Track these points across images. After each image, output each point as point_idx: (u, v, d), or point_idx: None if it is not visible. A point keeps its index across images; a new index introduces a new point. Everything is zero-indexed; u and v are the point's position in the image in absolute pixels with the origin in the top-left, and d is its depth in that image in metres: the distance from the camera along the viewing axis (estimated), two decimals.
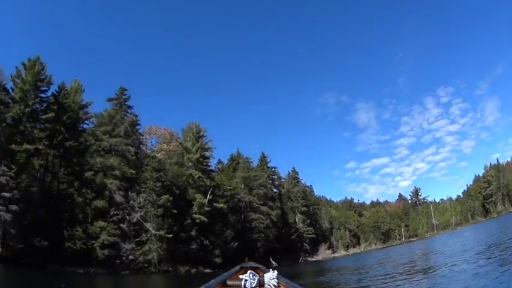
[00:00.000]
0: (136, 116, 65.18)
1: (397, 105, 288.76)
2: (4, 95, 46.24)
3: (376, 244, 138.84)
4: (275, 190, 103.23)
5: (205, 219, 64.35)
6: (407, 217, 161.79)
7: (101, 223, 50.75)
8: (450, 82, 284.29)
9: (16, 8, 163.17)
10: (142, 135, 74.08)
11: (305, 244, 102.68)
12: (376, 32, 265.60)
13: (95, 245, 48.50)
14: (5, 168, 40.95)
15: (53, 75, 51.81)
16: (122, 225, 53.13)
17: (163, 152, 76.86)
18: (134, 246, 53.14)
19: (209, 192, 68.48)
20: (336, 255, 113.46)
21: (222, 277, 5.30)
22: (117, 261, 50.73)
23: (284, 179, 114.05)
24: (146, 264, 53.52)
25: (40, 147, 49.03)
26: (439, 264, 26.07)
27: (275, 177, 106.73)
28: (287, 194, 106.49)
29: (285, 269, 58.94)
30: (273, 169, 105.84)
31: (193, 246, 62.63)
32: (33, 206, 44.18)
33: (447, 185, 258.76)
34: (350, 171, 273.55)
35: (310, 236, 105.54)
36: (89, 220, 50.90)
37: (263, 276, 4.86)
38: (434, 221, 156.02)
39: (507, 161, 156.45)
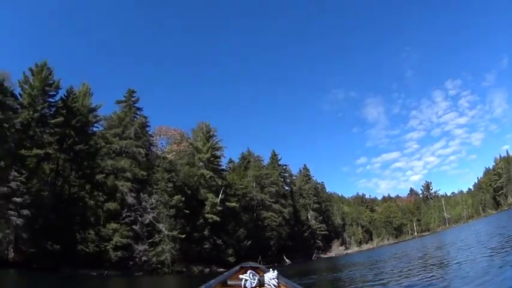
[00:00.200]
0: (145, 117, 64.47)
1: (406, 100, 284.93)
2: (12, 101, 45.99)
3: (388, 239, 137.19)
4: (287, 188, 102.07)
5: (218, 219, 63.59)
6: (419, 211, 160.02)
7: (114, 225, 50.25)
8: (458, 74, 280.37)
9: (21, 12, 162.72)
10: (153, 137, 73.35)
11: (318, 241, 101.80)
12: (382, 26, 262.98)
13: (108, 247, 47.99)
14: (15, 174, 40.53)
15: (61, 79, 51.80)
16: (134, 226, 52.58)
17: (173, 152, 75.93)
18: (147, 247, 52.54)
19: (221, 192, 67.83)
20: (349, 251, 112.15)
21: (222, 277, 5.22)
22: (130, 262, 50.17)
23: (295, 176, 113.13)
24: (159, 265, 52.93)
25: (50, 151, 48.70)
26: (457, 257, 25.02)
27: (286, 174, 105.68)
28: (299, 191, 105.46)
29: (299, 267, 58.87)
30: (284, 167, 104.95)
31: (206, 246, 61.97)
32: (44, 210, 43.67)
33: (458, 178, 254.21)
34: (361, 166, 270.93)
35: (323, 232, 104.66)
36: (101, 222, 50.39)
37: (263, 276, 4.73)
38: (446, 215, 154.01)
39: None
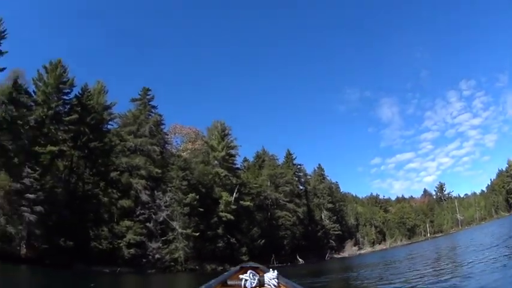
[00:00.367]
0: (160, 115, 64.09)
1: (421, 100, 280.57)
2: (26, 98, 45.94)
3: (401, 240, 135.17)
4: (301, 187, 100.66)
5: (232, 217, 62.95)
6: (432, 213, 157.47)
7: (127, 222, 49.90)
8: (472, 75, 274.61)
9: (34, 10, 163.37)
10: (167, 135, 72.56)
11: (331, 241, 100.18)
12: (396, 26, 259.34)
13: (121, 244, 47.78)
14: (29, 170, 40.45)
15: (75, 77, 51.92)
16: (148, 224, 52.17)
17: (188, 150, 75.19)
18: (160, 245, 52.10)
19: (235, 190, 67.33)
20: (362, 251, 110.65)
21: (222, 277, 5.21)
22: (143, 260, 49.81)
23: (310, 175, 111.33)
24: (173, 263, 52.42)
25: (64, 148, 48.75)
26: (472, 260, 23.87)
27: (301, 174, 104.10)
28: (313, 190, 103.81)
29: (312, 267, 58.08)
30: (299, 166, 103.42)
31: (220, 244, 61.43)
32: (58, 207, 43.46)
33: (471, 180, 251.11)
34: (375, 167, 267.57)
35: (336, 232, 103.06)
36: (115, 220, 50.06)
37: (263, 276, 4.69)
38: (458, 217, 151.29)
39: None
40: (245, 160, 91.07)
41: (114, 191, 51.73)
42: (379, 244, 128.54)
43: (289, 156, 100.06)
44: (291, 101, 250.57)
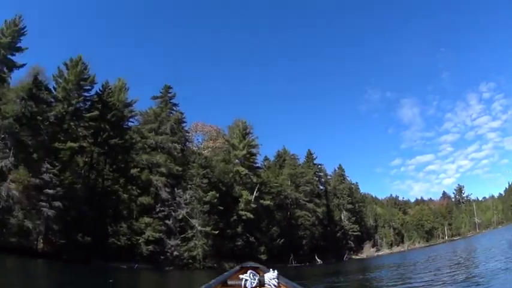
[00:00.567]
0: (182, 113, 63.88)
1: (441, 101, 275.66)
2: (46, 94, 45.85)
3: (419, 243, 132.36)
4: (321, 187, 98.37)
5: (252, 216, 61.99)
6: (451, 215, 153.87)
7: (146, 219, 49.54)
8: (492, 77, 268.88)
9: (57, 6, 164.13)
10: (188, 133, 72.45)
11: (350, 242, 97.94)
12: (418, 27, 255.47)
13: (140, 240, 47.55)
14: (48, 166, 40.29)
15: (96, 74, 51.77)
16: (167, 221, 51.87)
17: (209, 149, 75.17)
18: (179, 242, 51.66)
19: (256, 189, 66.27)
20: (380, 253, 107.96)
21: (222, 277, 5.11)
22: (162, 257, 49.57)
23: (330, 176, 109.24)
24: (191, 260, 52.09)
25: (84, 145, 48.72)
26: (492, 263, 24.26)
27: (321, 174, 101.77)
28: (333, 191, 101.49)
29: (331, 267, 57.32)
30: (319, 166, 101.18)
31: (239, 243, 60.56)
32: (77, 203, 43.19)
33: (489, 183, 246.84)
34: (395, 168, 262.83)
35: (355, 233, 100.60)
36: (134, 216, 49.71)
37: (263, 276, 4.53)
38: (476, 220, 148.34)
39: None
40: (266, 159, 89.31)
41: (134, 187, 51.30)
42: (397, 246, 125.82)
43: (310, 156, 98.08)
44: (312, 101, 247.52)
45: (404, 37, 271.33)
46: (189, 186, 55.36)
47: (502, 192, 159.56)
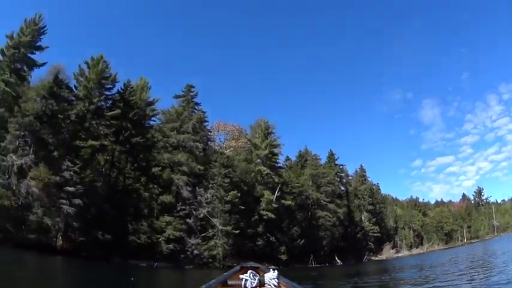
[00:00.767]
0: (204, 112, 62.88)
1: (461, 102, 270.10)
2: (67, 93, 45.43)
3: (438, 245, 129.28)
4: (342, 188, 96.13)
5: (273, 216, 60.69)
6: (470, 218, 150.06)
7: (167, 218, 48.80)
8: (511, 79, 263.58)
9: (80, 7, 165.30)
10: (211, 132, 71.55)
11: (370, 243, 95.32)
12: (439, 27, 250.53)
13: (160, 239, 46.95)
14: (69, 164, 39.74)
15: (117, 73, 51.28)
16: (188, 220, 51.10)
17: (231, 148, 74.11)
18: (200, 241, 51.02)
19: (277, 189, 64.94)
20: (400, 255, 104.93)
21: (222, 277, 5.07)
22: (182, 255, 48.81)
23: (351, 176, 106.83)
24: (211, 260, 51.38)
25: (106, 143, 48.16)
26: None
27: (343, 174, 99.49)
28: (354, 191, 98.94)
29: (351, 268, 56.55)
30: (341, 167, 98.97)
31: (260, 243, 59.20)
32: (97, 201, 42.61)
33: (509, 185, 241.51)
34: (415, 169, 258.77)
35: (376, 234, 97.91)
36: (155, 215, 48.85)
37: (263, 276, 4.52)
38: (495, 223, 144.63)
39: None
40: (287, 159, 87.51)
41: (155, 186, 50.51)
42: (416, 248, 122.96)
43: (331, 156, 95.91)
44: (334, 102, 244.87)
45: (426, 37, 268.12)
46: (210, 185, 54.40)
47: None
